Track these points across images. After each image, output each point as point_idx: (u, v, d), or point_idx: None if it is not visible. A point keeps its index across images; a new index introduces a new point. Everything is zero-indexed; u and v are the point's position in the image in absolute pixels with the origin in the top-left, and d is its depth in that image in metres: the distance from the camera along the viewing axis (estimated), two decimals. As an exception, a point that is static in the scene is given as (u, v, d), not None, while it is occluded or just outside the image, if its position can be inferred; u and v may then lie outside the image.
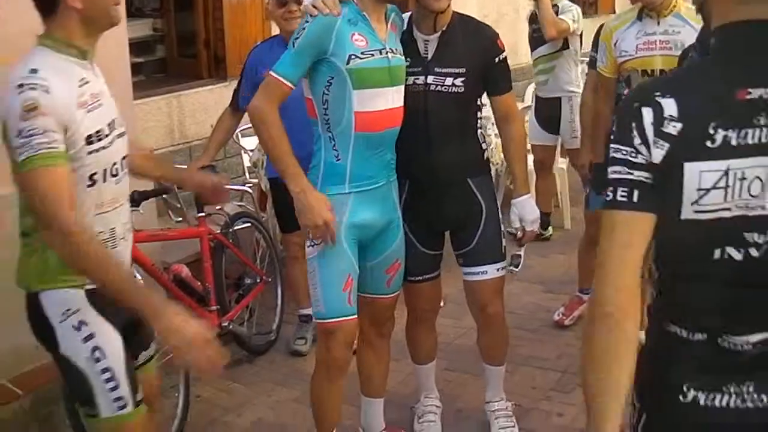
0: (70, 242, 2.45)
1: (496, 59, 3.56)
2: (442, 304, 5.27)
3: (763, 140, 1.71)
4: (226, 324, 4.58)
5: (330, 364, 3.42)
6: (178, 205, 4.69)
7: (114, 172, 2.73)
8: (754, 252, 1.76)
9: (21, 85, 2.45)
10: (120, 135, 2.79)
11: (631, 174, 1.78)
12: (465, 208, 3.64)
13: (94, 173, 2.63)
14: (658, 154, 1.75)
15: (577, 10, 6.07)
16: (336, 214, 3.28)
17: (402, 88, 3.39)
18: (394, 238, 3.55)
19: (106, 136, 2.67)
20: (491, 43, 3.57)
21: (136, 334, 2.89)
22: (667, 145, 1.74)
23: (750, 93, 1.71)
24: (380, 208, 3.44)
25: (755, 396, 1.84)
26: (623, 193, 1.78)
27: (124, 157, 2.82)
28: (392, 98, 3.33)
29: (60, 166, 2.46)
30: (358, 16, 3.26)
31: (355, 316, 3.40)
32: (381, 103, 3.29)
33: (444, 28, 3.48)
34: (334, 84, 3.24)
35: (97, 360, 2.68)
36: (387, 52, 3.30)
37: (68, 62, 2.62)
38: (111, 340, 2.72)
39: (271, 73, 3.20)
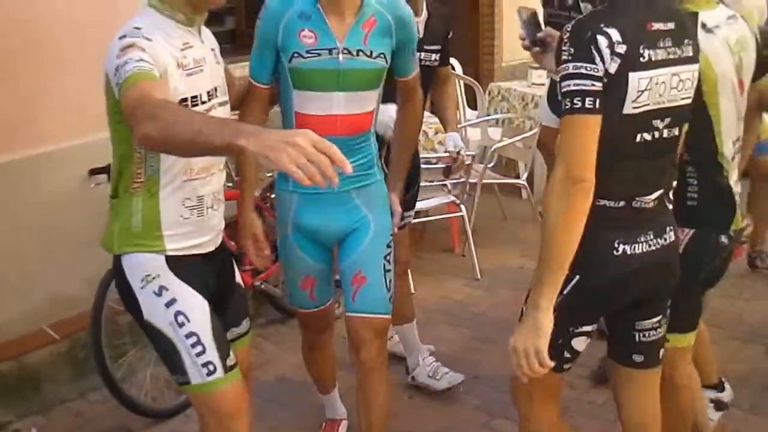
0: (153, 122, 2.14)
1: (449, 35, 3.97)
2: (479, 277, 5.35)
3: (665, 57, 2.45)
4: (258, 284, 4.75)
5: (304, 339, 3.57)
6: (227, 171, 4.71)
7: None
8: (656, 134, 2.50)
9: (123, 36, 2.42)
10: (222, 104, 2.73)
11: (594, 85, 2.35)
12: None
13: None
14: (613, 67, 2.36)
15: None
16: (282, 212, 3.21)
17: (363, 95, 3.06)
18: (356, 246, 3.19)
19: (203, 103, 2.60)
20: (451, 20, 3.98)
21: (225, 308, 2.84)
22: (619, 60, 2.36)
23: (653, 26, 2.44)
24: (330, 216, 3.16)
25: (655, 240, 2.58)
26: (589, 102, 2.35)
27: None
28: (339, 104, 3.01)
29: (151, 81, 2.33)
30: (312, 9, 2.96)
31: (320, 308, 3.35)
32: (322, 107, 3.01)
33: (428, 10, 3.81)
34: (280, 77, 3.06)
35: (182, 325, 2.59)
36: (339, 53, 2.96)
37: (173, 26, 2.58)
38: (194, 304, 2.63)
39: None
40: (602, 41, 2.35)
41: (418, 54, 3.45)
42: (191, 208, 2.65)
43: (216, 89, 2.68)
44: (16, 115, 4.20)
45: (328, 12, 2.94)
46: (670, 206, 2.68)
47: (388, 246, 3.21)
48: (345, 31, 2.96)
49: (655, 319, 2.72)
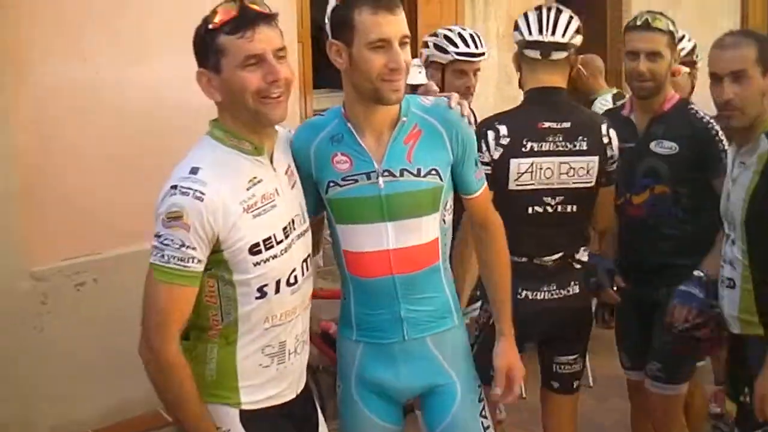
0: (156, 365, 2.28)
1: None
2: (591, 383, 5.36)
3: (552, 148, 3.16)
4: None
5: None
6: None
7: (291, 281, 2.43)
8: (549, 209, 3.19)
9: (174, 187, 2.25)
10: (301, 234, 2.50)
11: (485, 168, 3.00)
12: None
13: (264, 285, 2.36)
14: (496, 154, 3.14)
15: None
16: (345, 364, 2.80)
17: (416, 223, 2.62)
18: (445, 413, 2.76)
19: (280, 242, 2.38)
20: None
21: None
22: (501, 149, 3.14)
23: (544, 124, 3.18)
24: (402, 370, 2.72)
25: (556, 291, 3.26)
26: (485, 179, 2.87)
27: (305, 259, 2.52)
28: (388, 237, 2.60)
29: (183, 287, 2.26)
30: (343, 129, 2.60)
31: None
32: (370, 242, 2.61)
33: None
34: (327, 215, 2.72)
35: None
36: (378, 176, 2.56)
37: (238, 157, 2.36)
38: None
39: None
40: (490, 135, 3.15)
41: None
42: (272, 355, 2.44)
43: (293, 221, 2.46)
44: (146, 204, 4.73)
45: (361, 130, 2.59)
46: (578, 266, 3.31)
47: (480, 400, 2.83)
48: (383, 150, 2.58)
49: (571, 357, 3.42)
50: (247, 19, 2.29)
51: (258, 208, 2.34)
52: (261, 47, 2.29)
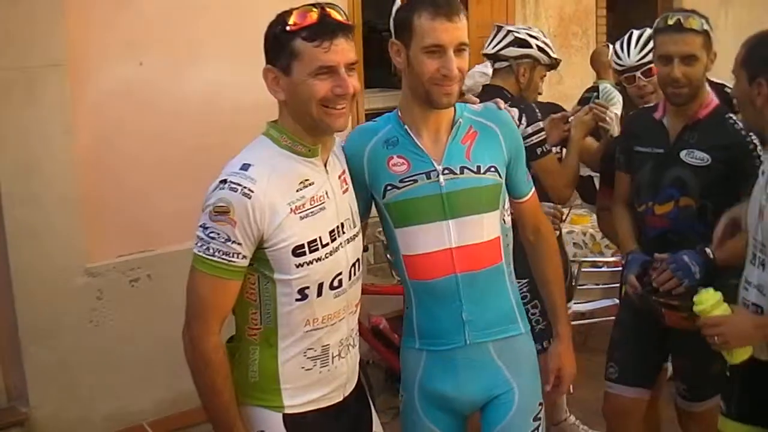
0: (194, 354, 2.29)
1: None
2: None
3: None
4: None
5: None
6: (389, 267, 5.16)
7: (335, 284, 2.40)
8: None
9: (224, 181, 2.25)
10: (351, 239, 2.47)
11: None
12: None
13: (305, 287, 2.34)
14: None
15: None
16: (408, 373, 2.77)
17: (477, 220, 2.60)
18: (496, 423, 2.70)
19: (326, 245, 2.35)
20: None
21: None
22: None
23: None
24: (464, 380, 2.68)
25: None
26: None
27: (354, 263, 2.49)
28: (450, 235, 2.58)
29: (226, 280, 2.26)
30: (398, 132, 2.61)
31: None
32: (430, 242, 2.59)
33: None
34: (383, 222, 2.68)
35: None
36: (439, 175, 2.56)
37: (291, 159, 2.35)
38: None
39: None
40: None
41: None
42: (314, 358, 2.42)
43: (342, 225, 2.44)
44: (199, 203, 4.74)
45: (417, 131, 2.60)
46: None
47: (536, 419, 2.74)
48: (442, 150, 2.59)
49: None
50: (326, 29, 2.26)
51: (306, 210, 2.33)
52: (336, 59, 2.27)
